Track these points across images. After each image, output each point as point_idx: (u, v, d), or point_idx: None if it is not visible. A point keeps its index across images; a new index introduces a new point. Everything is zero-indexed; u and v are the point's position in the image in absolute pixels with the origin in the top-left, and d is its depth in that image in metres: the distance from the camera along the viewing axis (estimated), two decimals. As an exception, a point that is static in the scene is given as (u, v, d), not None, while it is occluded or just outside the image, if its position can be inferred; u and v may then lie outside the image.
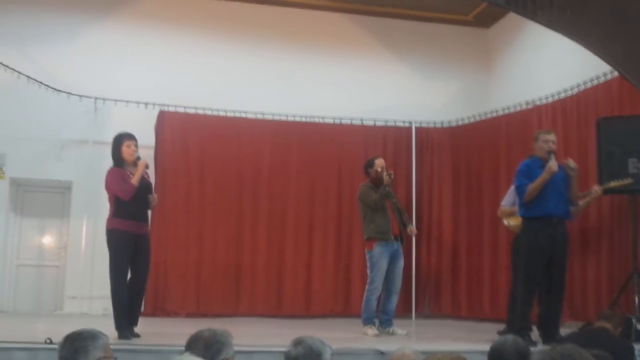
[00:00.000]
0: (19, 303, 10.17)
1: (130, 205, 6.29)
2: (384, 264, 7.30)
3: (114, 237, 6.31)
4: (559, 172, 6.33)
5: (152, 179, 7.03)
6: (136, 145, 6.50)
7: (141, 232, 6.44)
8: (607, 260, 8.07)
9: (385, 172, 7.42)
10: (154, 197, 6.61)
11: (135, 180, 6.30)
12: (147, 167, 6.55)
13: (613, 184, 7.02)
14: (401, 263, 7.50)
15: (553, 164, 6.25)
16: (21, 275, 10.27)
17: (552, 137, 6.45)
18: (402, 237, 7.59)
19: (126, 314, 6.29)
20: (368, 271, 7.43)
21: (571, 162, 6.38)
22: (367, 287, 7.43)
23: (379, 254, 7.29)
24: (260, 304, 10.03)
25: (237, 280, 10.07)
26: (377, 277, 7.30)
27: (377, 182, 7.51)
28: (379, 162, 7.61)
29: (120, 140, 6.48)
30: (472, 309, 10.09)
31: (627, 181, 6.97)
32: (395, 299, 7.48)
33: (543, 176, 6.26)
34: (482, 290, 10.01)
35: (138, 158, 6.47)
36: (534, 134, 6.79)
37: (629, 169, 7.05)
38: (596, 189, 6.99)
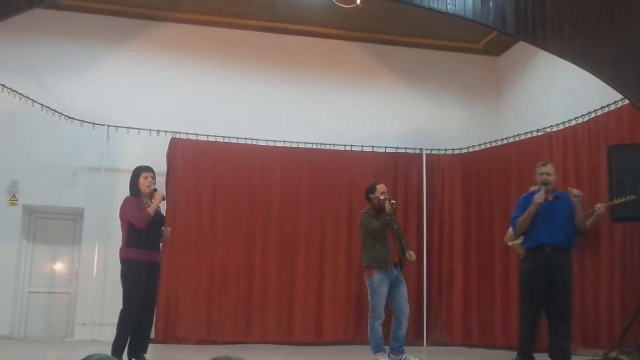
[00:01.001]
0: (30, 330, 10.18)
1: (144, 235, 6.34)
2: (384, 290, 7.22)
3: (127, 266, 6.34)
4: (560, 203, 6.41)
5: (163, 205, 7.06)
6: (153, 178, 6.60)
7: (154, 260, 6.48)
8: (619, 288, 8.03)
9: (387, 202, 7.28)
10: (167, 230, 6.70)
11: (151, 209, 6.38)
12: (163, 198, 6.62)
13: (617, 200, 7.03)
14: (404, 288, 7.40)
15: (538, 196, 6.36)
16: (32, 301, 10.28)
17: (546, 168, 6.49)
18: (402, 264, 7.52)
19: (126, 342, 6.28)
20: (369, 298, 7.34)
21: (574, 190, 6.43)
22: (369, 314, 7.33)
23: (379, 281, 7.21)
24: (271, 331, 10.00)
25: (248, 307, 10.04)
26: (378, 304, 7.22)
27: (378, 208, 7.46)
28: (380, 188, 7.48)
29: (138, 172, 6.59)
30: (483, 337, 10.01)
31: (631, 197, 6.96)
32: (405, 325, 7.36)
33: (530, 209, 6.39)
34: (493, 317, 9.95)
35: (154, 190, 6.56)
36: None
37: (640, 196, 7.06)
38: (599, 206, 7.00)
